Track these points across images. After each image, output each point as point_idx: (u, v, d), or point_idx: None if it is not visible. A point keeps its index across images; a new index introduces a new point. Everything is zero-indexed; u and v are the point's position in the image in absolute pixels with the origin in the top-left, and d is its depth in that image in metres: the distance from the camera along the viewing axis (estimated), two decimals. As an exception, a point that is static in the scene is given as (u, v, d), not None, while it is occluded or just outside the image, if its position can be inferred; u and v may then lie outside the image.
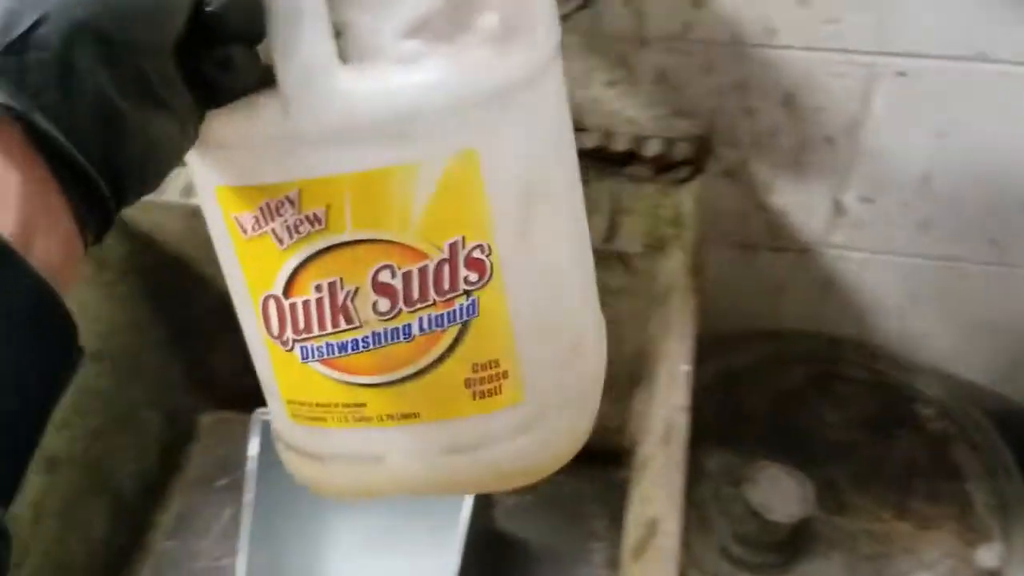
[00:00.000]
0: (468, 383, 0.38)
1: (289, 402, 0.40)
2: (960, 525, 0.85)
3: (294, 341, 0.38)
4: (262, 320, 0.38)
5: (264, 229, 0.36)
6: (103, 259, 0.88)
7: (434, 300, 0.36)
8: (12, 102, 0.24)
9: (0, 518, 0.22)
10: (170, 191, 0.86)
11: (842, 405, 0.94)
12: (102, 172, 0.26)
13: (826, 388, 0.94)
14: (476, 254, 0.36)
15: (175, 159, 0.30)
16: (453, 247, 0.35)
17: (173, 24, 0.27)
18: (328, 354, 0.38)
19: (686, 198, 0.81)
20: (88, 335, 0.91)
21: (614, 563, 0.96)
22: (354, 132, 0.33)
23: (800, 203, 0.86)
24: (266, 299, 0.38)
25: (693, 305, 0.75)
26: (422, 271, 0.35)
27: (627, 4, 0.75)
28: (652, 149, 0.80)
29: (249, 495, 0.81)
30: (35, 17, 0.24)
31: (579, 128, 0.81)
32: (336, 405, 0.39)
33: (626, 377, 0.92)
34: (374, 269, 0.36)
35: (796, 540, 0.84)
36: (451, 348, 0.37)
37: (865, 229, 0.87)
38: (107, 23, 0.25)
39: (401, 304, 0.36)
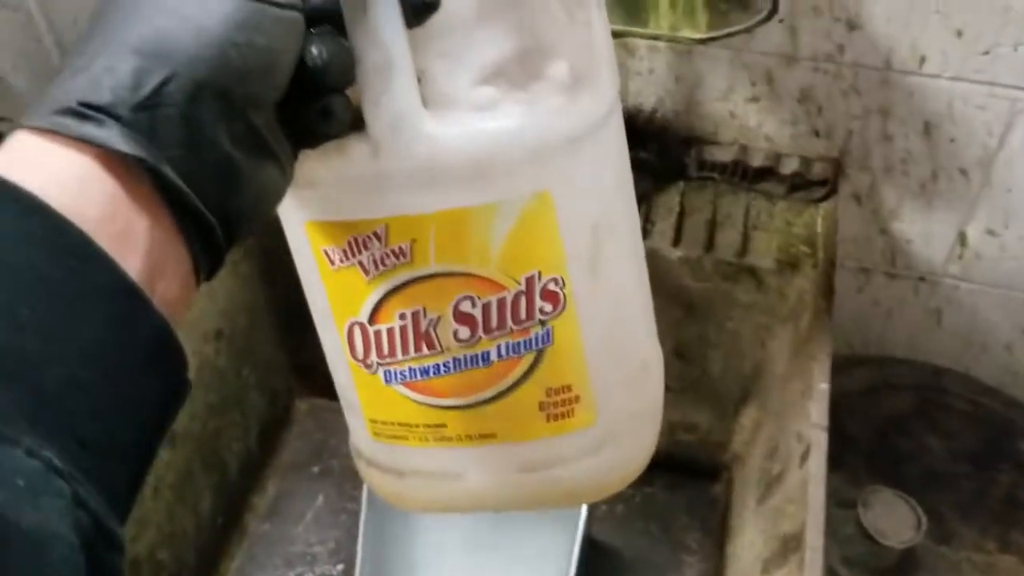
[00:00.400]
0: (542, 406, 0.40)
1: (371, 421, 0.43)
2: (1065, 562, 0.85)
3: (378, 364, 0.40)
4: (346, 344, 0.40)
5: (351, 261, 0.38)
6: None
7: (511, 329, 0.38)
8: (144, 155, 0.26)
9: (118, 534, 0.24)
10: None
11: (945, 435, 0.94)
12: (218, 219, 0.28)
13: (929, 417, 0.95)
14: (551, 286, 0.38)
15: (277, 201, 0.32)
16: (530, 280, 0.37)
17: (280, 80, 0.29)
18: (410, 378, 0.40)
19: (820, 218, 0.82)
20: (211, 314, 0.94)
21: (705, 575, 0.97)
22: (438, 173, 0.35)
23: (923, 231, 0.87)
24: (351, 325, 0.40)
25: (827, 324, 0.76)
26: (500, 302, 0.38)
27: (782, 22, 0.76)
28: (789, 167, 0.81)
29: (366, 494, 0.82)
30: (164, 75, 0.26)
31: (714, 141, 0.82)
32: (417, 425, 0.41)
33: (737, 393, 0.92)
34: (455, 300, 0.38)
35: (903, 565, 0.84)
36: (527, 374, 0.39)
37: (984, 261, 0.88)
38: (226, 81, 0.27)
39: (480, 332, 0.38)
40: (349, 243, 0.37)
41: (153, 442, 0.27)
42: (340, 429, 0.81)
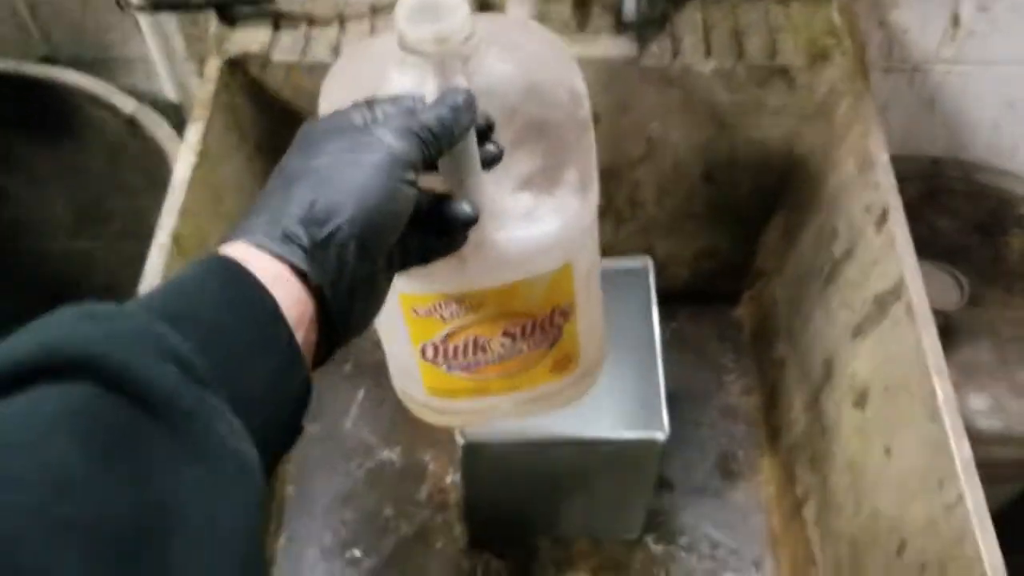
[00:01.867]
0: (552, 368, 0.59)
1: (429, 388, 0.60)
2: (1086, 302, 0.93)
3: (443, 363, 0.57)
4: (419, 352, 0.57)
5: (432, 315, 0.54)
6: (243, 131, 0.85)
7: (539, 336, 0.56)
8: (316, 277, 0.39)
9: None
10: (320, 49, 0.83)
11: (952, 214, 1.00)
12: (342, 326, 0.41)
13: (935, 202, 1.00)
14: (565, 309, 0.56)
15: (380, 307, 0.44)
16: (553, 309, 0.55)
17: (395, 236, 0.42)
18: (465, 369, 0.58)
19: (835, 11, 0.84)
20: (245, 205, 0.90)
21: (749, 391, 1.01)
22: (500, 265, 0.51)
23: (920, 16, 0.91)
24: (425, 345, 0.56)
25: (871, 103, 0.79)
26: (533, 324, 0.56)
27: None
28: (798, -33, 0.83)
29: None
30: (333, 227, 0.39)
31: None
32: (467, 390, 0.59)
33: (763, 209, 0.95)
34: (503, 327, 0.55)
35: (945, 331, 0.90)
36: (546, 353, 0.58)
37: (975, 39, 0.92)
38: (367, 235, 0.40)
39: (519, 341, 0.56)
40: (432, 306, 0.54)
41: (278, 461, 0.39)
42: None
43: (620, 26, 0.83)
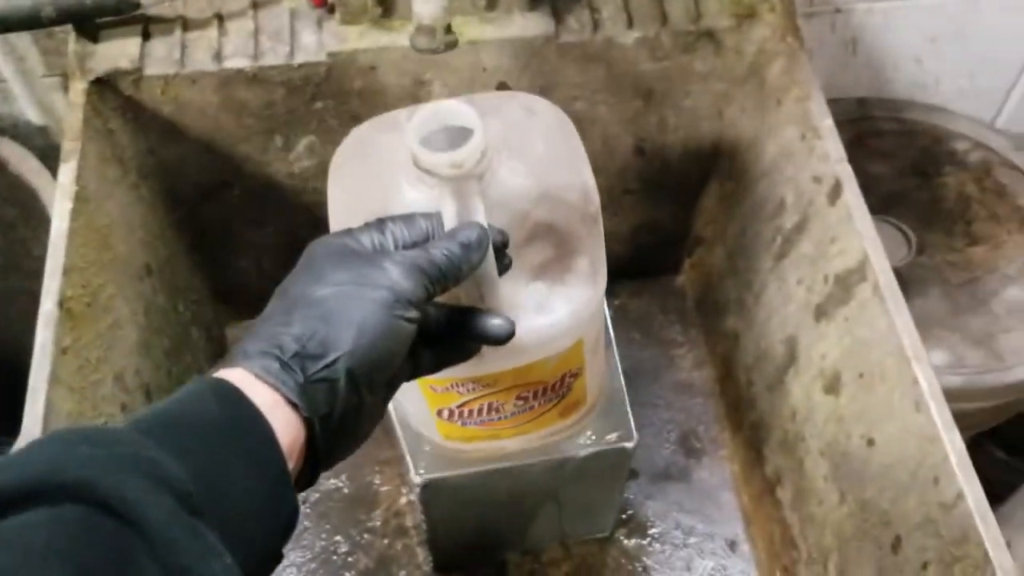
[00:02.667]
0: (560, 414, 0.63)
1: (444, 435, 0.64)
2: (1027, 236, 0.91)
3: (458, 420, 0.61)
4: (435, 413, 0.60)
5: (450, 391, 0.57)
6: (123, 160, 0.76)
7: (550, 394, 0.60)
8: (309, 414, 0.39)
9: None
10: (200, 55, 0.74)
11: (885, 157, 0.97)
12: (326, 457, 0.41)
13: (866, 145, 0.97)
14: (575, 372, 0.59)
15: (368, 435, 0.44)
16: (564, 375, 0.59)
17: (391, 371, 0.43)
18: (480, 424, 0.61)
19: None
20: (135, 246, 0.81)
21: (701, 364, 0.97)
22: (514, 353, 0.53)
23: (840, -43, 0.86)
24: (441, 409, 0.59)
25: (806, 62, 0.74)
26: (545, 387, 0.59)
27: None
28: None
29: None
30: (330, 360, 0.39)
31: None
32: (481, 437, 0.63)
33: (698, 176, 0.90)
34: (517, 393, 0.58)
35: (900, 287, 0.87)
36: (555, 405, 0.62)
37: (895, -26, 0.88)
38: (362, 370, 0.40)
39: (531, 400, 0.59)
40: (449, 385, 0.57)
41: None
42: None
43: (533, 2, 0.76)
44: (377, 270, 0.41)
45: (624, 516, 0.88)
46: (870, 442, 0.64)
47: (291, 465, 0.38)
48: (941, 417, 0.58)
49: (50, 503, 0.30)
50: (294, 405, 0.39)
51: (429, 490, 0.69)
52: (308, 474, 0.41)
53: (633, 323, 1.00)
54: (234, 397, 0.37)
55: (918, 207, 0.94)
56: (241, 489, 0.35)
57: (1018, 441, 1.09)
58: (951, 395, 0.79)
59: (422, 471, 0.68)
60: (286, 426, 0.38)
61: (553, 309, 0.51)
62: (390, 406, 0.67)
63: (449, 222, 0.45)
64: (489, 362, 0.53)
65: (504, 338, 0.46)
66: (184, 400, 0.37)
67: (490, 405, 0.59)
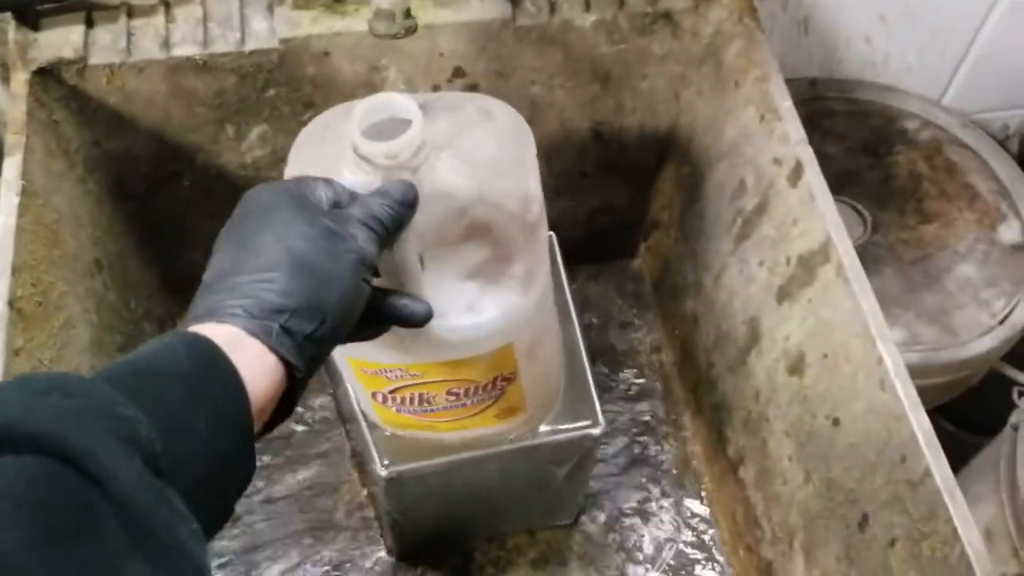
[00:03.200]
0: (497, 416, 0.64)
1: (383, 420, 0.65)
2: (976, 213, 0.93)
3: (392, 406, 0.62)
4: (370, 395, 0.61)
5: (379, 375, 0.58)
6: (69, 152, 0.73)
7: (482, 394, 0.60)
8: (302, 374, 0.41)
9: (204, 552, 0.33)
10: (147, 43, 0.71)
11: (837, 138, 0.98)
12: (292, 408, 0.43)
13: (818, 126, 0.98)
14: (507, 376, 0.59)
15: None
16: (496, 377, 0.59)
17: (351, 324, 0.44)
18: (414, 413, 0.62)
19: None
20: (85, 242, 0.79)
21: (659, 347, 0.97)
22: (438, 348, 0.54)
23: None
24: (375, 392, 0.61)
25: (763, 43, 0.74)
26: (476, 386, 0.59)
27: None
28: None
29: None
30: (320, 319, 0.41)
31: None
32: (418, 426, 0.64)
33: (654, 159, 0.90)
34: (447, 388, 0.59)
35: (853, 263, 0.88)
36: (488, 407, 0.62)
37: (846, -46, 0.89)
38: (341, 324, 0.42)
39: (462, 397, 0.60)
40: (377, 369, 0.57)
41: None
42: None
43: (489, -15, 0.74)
44: (343, 229, 0.42)
45: (588, 500, 0.88)
46: (835, 422, 0.65)
47: (262, 420, 0.39)
48: (907, 395, 0.58)
49: (14, 451, 0.29)
50: (287, 363, 0.39)
51: (396, 484, 0.68)
52: (269, 425, 0.41)
53: (590, 307, 1.00)
54: (210, 355, 0.37)
55: (871, 186, 0.95)
56: (205, 448, 0.35)
57: (966, 415, 1.11)
58: (912, 373, 0.81)
59: (387, 463, 0.68)
60: (271, 384, 0.39)
61: (482, 310, 0.52)
62: (352, 399, 0.66)
63: None
64: (415, 352, 0.54)
65: (420, 321, 0.48)
66: (158, 353, 0.36)
67: (421, 396, 0.59)
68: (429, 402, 0.59)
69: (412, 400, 0.59)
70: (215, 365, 0.37)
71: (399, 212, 0.45)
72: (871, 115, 0.99)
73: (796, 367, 0.70)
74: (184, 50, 0.72)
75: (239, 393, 0.37)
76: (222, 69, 0.73)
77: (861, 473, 0.62)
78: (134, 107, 0.74)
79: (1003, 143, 1.00)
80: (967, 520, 0.54)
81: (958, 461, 1.02)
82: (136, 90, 0.73)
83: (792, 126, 0.70)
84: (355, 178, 0.47)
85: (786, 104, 0.71)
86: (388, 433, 0.67)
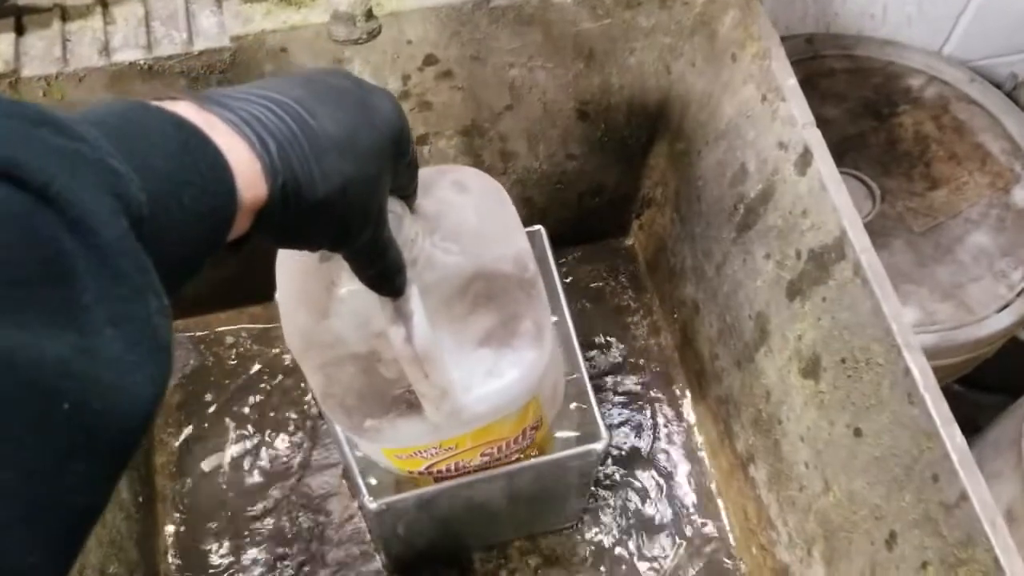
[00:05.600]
0: (526, 456, 0.66)
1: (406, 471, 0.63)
2: (988, 176, 0.88)
3: (427, 475, 0.62)
4: (405, 472, 0.62)
5: (415, 457, 0.59)
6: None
7: (514, 445, 0.62)
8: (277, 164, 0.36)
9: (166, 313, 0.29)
10: (85, 50, 0.64)
11: (838, 99, 0.92)
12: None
13: (816, 87, 0.92)
14: (535, 424, 0.62)
15: None
16: (525, 429, 0.61)
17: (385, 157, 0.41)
18: (449, 477, 0.63)
19: (702, -95, 0.71)
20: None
21: (657, 331, 0.93)
22: (470, 420, 0.55)
23: None
24: (411, 471, 0.61)
25: (761, 12, 0.68)
26: (508, 442, 0.61)
27: None
28: None
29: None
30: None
31: None
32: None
33: (645, 136, 0.84)
34: (481, 451, 0.60)
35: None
36: (521, 452, 0.64)
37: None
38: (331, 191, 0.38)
39: (496, 453, 0.61)
40: (413, 452, 0.58)
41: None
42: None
43: (458, -37, 0.67)
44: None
45: (592, 501, 0.84)
46: (857, 432, 0.60)
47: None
48: (938, 411, 0.54)
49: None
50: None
51: (385, 515, 0.64)
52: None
53: (583, 291, 0.95)
54: (198, 139, 0.33)
55: (875, 151, 0.89)
56: (186, 224, 0.32)
57: (974, 375, 1.07)
58: (928, 355, 0.76)
59: (377, 496, 0.63)
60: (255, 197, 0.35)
61: (503, 373, 0.53)
62: (338, 431, 0.61)
63: (388, 317, 0.47)
64: (446, 430, 0.55)
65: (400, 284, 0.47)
66: (144, 118, 0.32)
67: (456, 464, 0.59)
68: (464, 467, 0.60)
69: (448, 469, 0.60)
70: (204, 147, 0.33)
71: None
72: (872, 73, 0.93)
73: (811, 370, 0.65)
74: (126, 55, 0.65)
75: (225, 177, 0.34)
76: (170, 73, 0.66)
77: (887, 489, 0.58)
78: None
79: (1012, 95, 0.95)
80: (1010, 551, 0.49)
81: (967, 424, 0.99)
82: (77, 101, 0.66)
83: (798, 107, 0.64)
84: (354, 286, 0.47)
85: (790, 82, 0.65)
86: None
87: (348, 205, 0.38)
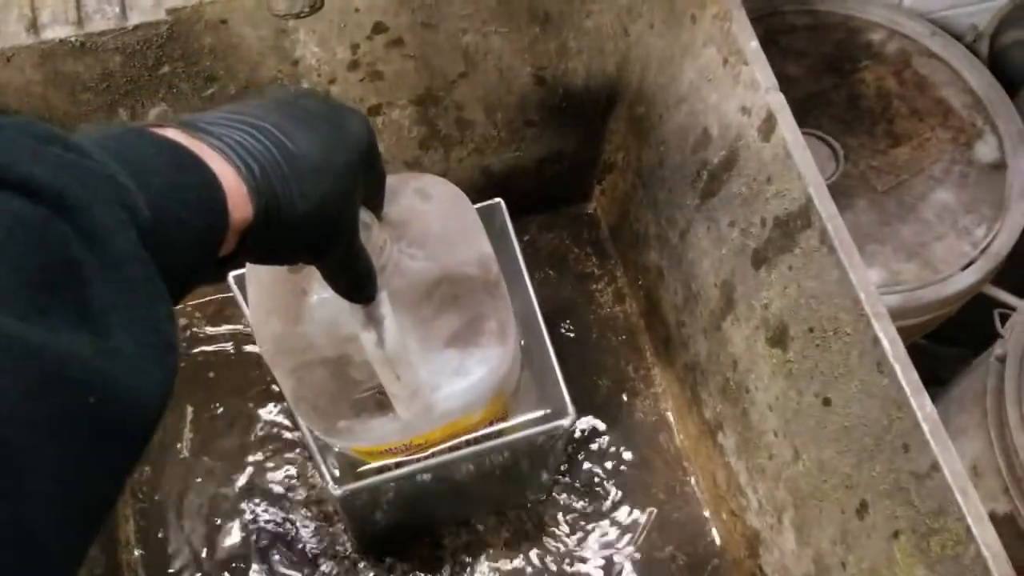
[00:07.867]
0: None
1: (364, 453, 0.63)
2: (950, 131, 0.87)
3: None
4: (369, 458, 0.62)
5: (386, 454, 0.60)
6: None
7: (480, 436, 0.62)
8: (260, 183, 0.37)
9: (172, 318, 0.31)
10: (12, 28, 0.61)
11: (799, 56, 0.90)
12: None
13: (778, 44, 0.90)
14: (501, 416, 0.62)
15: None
16: (491, 421, 0.62)
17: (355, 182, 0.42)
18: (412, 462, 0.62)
19: None
20: None
21: (622, 298, 0.91)
22: (439, 418, 0.56)
23: None
24: (381, 464, 0.61)
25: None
26: (473, 433, 0.61)
27: None
28: None
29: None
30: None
31: None
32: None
33: (604, 101, 0.82)
34: (449, 443, 0.60)
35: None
36: (484, 438, 0.63)
37: None
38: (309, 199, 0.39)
39: (461, 444, 0.61)
40: (384, 450, 0.60)
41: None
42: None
43: (405, -74, 0.64)
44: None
45: (561, 472, 0.83)
46: (826, 401, 0.60)
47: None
48: (908, 381, 0.53)
49: (6, 191, 0.26)
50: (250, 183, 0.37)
51: (351, 499, 0.62)
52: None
53: (545, 259, 0.93)
54: (190, 159, 0.35)
55: (837, 109, 0.88)
56: (186, 241, 0.33)
57: (938, 329, 1.08)
58: (892, 315, 0.75)
59: (340, 481, 0.61)
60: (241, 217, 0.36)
61: (469, 371, 0.54)
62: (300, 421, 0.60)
63: (359, 322, 0.49)
64: (417, 428, 0.56)
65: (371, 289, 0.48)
66: (136, 142, 0.34)
67: (423, 456, 0.60)
68: (431, 456, 0.61)
69: (414, 460, 0.60)
70: (198, 167, 0.35)
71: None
72: (833, 28, 0.91)
73: (778, 339, 0.64)
74: (56, 32, 0.61)
75: (218, 197, 0.35)
76: (104, 49, 0.63)
77: (857, 459, 0.58)
78: (8, 100, 0.64)
79: (973, 47, 0.94)
80: (982, 520, 0.49)
81: (931, 377, 0.99)
82: (6, 82, 0.63)
83: (761, 71, 0.63)
84: (326, 294, 0.47)
85: (752, 45, 0.64)
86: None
87: (325, 221, 0.39)
